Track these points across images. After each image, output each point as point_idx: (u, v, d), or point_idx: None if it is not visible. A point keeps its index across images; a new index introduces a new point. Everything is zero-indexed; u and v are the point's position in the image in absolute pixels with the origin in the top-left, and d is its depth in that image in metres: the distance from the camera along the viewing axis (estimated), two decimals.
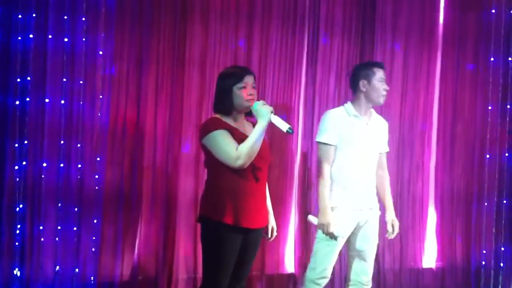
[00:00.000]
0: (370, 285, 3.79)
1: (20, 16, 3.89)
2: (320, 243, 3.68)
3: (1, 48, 3.88)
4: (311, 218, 3.74)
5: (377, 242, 3.82)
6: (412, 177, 5.22)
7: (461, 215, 5.34)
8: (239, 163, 3.16)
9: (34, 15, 3.91)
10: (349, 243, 3.77)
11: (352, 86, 3.82)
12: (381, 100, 3.77)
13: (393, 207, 3.89)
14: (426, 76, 5.28)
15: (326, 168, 3.66)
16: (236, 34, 4.59)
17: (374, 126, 3.80)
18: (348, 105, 3.79)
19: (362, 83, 3.74)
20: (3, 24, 3.88)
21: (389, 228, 3.84)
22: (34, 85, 3.94)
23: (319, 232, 3.68)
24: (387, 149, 3.94)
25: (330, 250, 3.66)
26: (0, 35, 3.87)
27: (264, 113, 3.19)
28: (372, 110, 3.86)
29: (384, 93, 3.74)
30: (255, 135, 3.17)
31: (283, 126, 3.21)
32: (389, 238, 3.87)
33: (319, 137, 3.69)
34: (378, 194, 3.90)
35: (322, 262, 3.67)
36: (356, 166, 3.68)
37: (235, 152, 3.16)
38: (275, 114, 3.22)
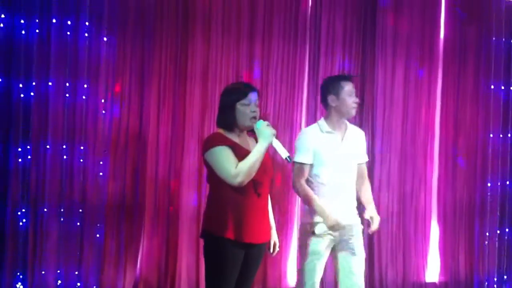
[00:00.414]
0: None
1: (23, 32, 3.92)
2: (305, 261, 3.65)
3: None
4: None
5: (363, 255, 3.79)
6: (415, 191, 5.22)
7: (464, 229, 5.33)
8: (237, 180, 3.15)
9: (37, 31, 3.94)
10: (335, 258, 3.76)
11: (322, 102, 3.78)
12: (352, 112, 3.72)
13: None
14: (428, 90, 5.30)
15: (301, 183, 3.64)
16: (237, 48, 4.61)
17: (350, 140, 3.76)
18: (321, 121, 3.75)
19: (331, 98, 3.70)
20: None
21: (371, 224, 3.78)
22: (37, 92, 3.96)
23: (302, 250, 3.67)
24: (366, 159, 3.89)
25: (315, 265, 3.65)
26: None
27: (267, 135, 3.18)
28: (347, 122, 3.82)
29: (354, 105, 3.70)
30: (255, 155, 3.16)
31: (283, 153, 3.20)
32: (370, 233, 3.80)
33: (295, 158, 3.64)
34: (360, 202, 3.89)
35: (310, 277, 3.66)
36: (333, 182, 3.66)
37: (234, 170, 3.15)
38: (277, 138, 3.21)
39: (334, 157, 3.65)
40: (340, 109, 3.69)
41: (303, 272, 3.68)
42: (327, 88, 3.73)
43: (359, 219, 3.78)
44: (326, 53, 4.94)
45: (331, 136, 3.69)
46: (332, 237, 3.66)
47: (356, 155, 3.79)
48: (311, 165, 3.64)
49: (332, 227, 3.59)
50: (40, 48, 3.96)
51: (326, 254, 3.67)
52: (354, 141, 3.77)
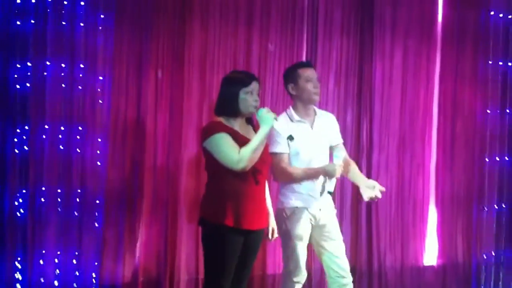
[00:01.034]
0: (351, 279, 3.80)
1: (18, 23, 3.91)
2: (288, 248, 3.72)
3: None
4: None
5: (341, 237, 3.83)
6: (413, 176, 5.24)
7: (462, 213, 5.36)
8: (240, 166, 3.19)
9: (32, 21, 3.92)
10: (315, 244, 3.81)
11: (286, 91, 3.84)
12: (315, 98, 3.77)
13: (387, 201, 3.82)
14: (426, 75, 5.30)
15: (286, 167, 3.67)
16: (235, 37, 4.59)
17: (320, 126, 3.80)
18: (290, 110, 3.81)
19: (291, 87, 3.77)
20: None
21: (371, 191, 3.68)
22: (34, 76, 3.93)
23: (284, 238, 3.72)
24: (341, 140, 3.92)
25: (299, 250, 3.71)
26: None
27: (268, 119, 3.24)
28: (315, 108, 3.86)
29: (315, 90, 3.74)
30: (258, 140, 3.22)
31: (284, 133, 3.29)
32: (378, 196, 3.69)
33: (273, 149, 3.67)
34: (349, 179, 3.91)
35: (297, 262, 3.72)
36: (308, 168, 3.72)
37: (237, 155, 3.19)
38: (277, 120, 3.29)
39: (307, 146, 3.71)
40: (301, 96, 3.75)
41: (288, 257, 3.74)
42: (286, 77, 3.82)
43: (332, 204, 3.83)
44: (324, 40, 4.92)
45: (302, 125, 3.74)
46: (310, 220, 3.71)
47: (329, 140, 3.82)
48: (289, 154, 3.69)
49: (337, 171, 3.62)
50: (35, 36, 3.94)
51: (307, 236, 3.74)
52: (324, 126, 3.82)
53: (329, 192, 3.72)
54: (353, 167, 3.86)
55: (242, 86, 3.33)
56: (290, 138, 3.27)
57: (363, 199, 3.74)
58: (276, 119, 3.26)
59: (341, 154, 3.71)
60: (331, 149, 3.84)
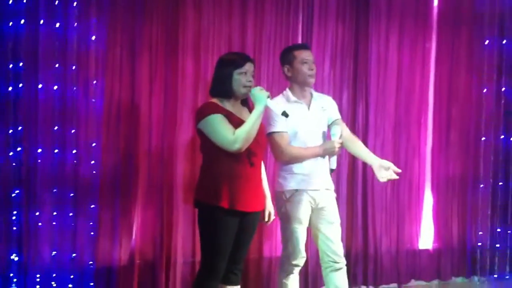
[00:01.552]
0: (344, 263, 3.81)
1: (10, 2, 3.88)
2: (288, 230, 3.72)
3: None
4: None
5: (339, 222, 3.84)
6: (409, 160, 5.23)
7: (457, 197, 5.37)
8: (236, 146, 3.19)
9: (24, 0, 3.90)
10: (313, 226, 3.81)
11: (283, 73, 3.85)
12: (310, 81, 3.76)
13: (383, 185, 3.80)
14: (421, 60, 5.28)
15: (287, 146, 3.67)
16: (229, 19, 4.56)
17: (317, 108, 3.81)
18: (287, 91, 3.82)
19: (286, 69, 3.78)
20: None
21: (386, 172, 3.60)
22: (26, 71, 3.94)
23: (284, 221, 3.73)
24: (338, 116, 3.91)
25: (299, 233, 3.72)
26: None
27: (261, 97, 3.24)
28: (312, 91, 3.87)
29: (311, 73, 3.74)
30: (252, 119, 3.22)
31: (278, 110, 3.29)
32: (394, 178, 3.60)
33: (272, 129, 3.67)
34: (356, 160, 3.89)
35: (296, 245, 3.73)
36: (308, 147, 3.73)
37: (232, 135, 3.19)
38: (271, 99, 3.30)
39: (305, 126, 3.71)
40: (296, 78, 3.76)
41: (287, 240, 3.75)
42: (282, 59, 3.84)
43: (332, 186, 3.83)
44: (319, 23, 4.90)
45: (298, 105, 3.75)
46: (310, 203, 3.71)
47: (327, 120, 3.82)
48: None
49: (333, 149, 3.65)
50: (28, 21, 3.93)
51: (307, 219, 3.74)
52: (321, 107, 3.82)
53: (331, 170, 3.72)
54: (359, 144, 3.86)
55: (235, 66, 3.32)
56: (285, 114, 3.25)
57: (379, 180, 3.65)
58: (269, 97, 3.26)
59: (337, 131, 3.70)
60: (329, 127, 3.84)
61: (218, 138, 3.23)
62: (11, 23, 3.88)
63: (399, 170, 3.62)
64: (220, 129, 3.23)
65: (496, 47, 5.39)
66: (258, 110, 3.24)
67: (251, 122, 3.21)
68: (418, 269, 5.25)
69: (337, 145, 3.66)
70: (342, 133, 3.75)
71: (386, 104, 5.14)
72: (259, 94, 3.25)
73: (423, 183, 5.33)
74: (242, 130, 3.20)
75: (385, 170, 3.60)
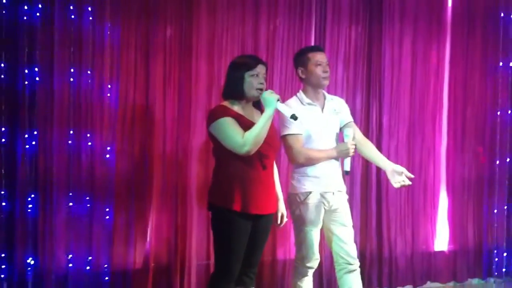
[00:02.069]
0: (358, 264, 3.81)
1: (26, 8, 3.92)
2: (302, 233, 3.73)
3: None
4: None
5: (351, 223, 3.84)
6: (424, 162, 5.20)
7: (472, 198, 5.33)
8: (245, 149, 3.19)
9: (40, 5, 3.94)
10: (326, 228, 3.81)
11: (296, 75, 3.85)
12: (324, 83, 3.77)
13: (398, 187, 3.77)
14: (436, 61, 5.25)
15: (302, 149, 3.69)
16: (243, 22, 4.58)
17: (330, 110, 3.81)
18: (300, 94, 3.82)
19: (300, 71, 3.78)
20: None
21: (400, 177, 3.64)
22: (42, 75, 3.97)
23: (298, 223, 3.74)
24: (351, 119, 3.92)
25: (313, 235, 3.73)
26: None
27: (271, 101, 3.25)
28: (325, 93, 3.87)
29: (325, 75, 3.74)
30: (262, 123, 3.22)
31: (288, 113, 3.28)
32: (407, 183, 3.64)
33: (287, 131, 3.68)
34: (370, 162, 3.88)
35: (310, 247, 3.74)
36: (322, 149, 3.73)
37: (241, 139, 3.19)
38: (282, 102, 3.31)
39: (318, 128, 3.72)
40: (310, 80, 3.76)
41: (301, 242, 3.75)
42: (296, 61, 3.84)
43: (345, 188, 3.84)
44: (332, 26, 4.89)
45: (312, 107, 3.76)
46: (323, 205, 3.71)
47: (339, 123, 3.83)
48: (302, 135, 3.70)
49: (351, 149, 3.65)
50: (43, 27, 3.96)
51: (320, 221, 3.75)
52: (334, 109, 3.82)
53: (346, 172, 3.71)
54: (372, 148, 3.86)
55: (247, 69, 3.33)
56: (294, 117, 3.25)
57: (393, 186, 3.68)
58: (279, 100, 3.26)
59: (350, 133, 3.70)
60: (341, 130, 3.84)
61: (227, 141, 3.25)
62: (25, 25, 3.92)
63: (412, 176, 3.63)
64: (230, 132, 3.24)
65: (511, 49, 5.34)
66: (267, 113, 3.24)
67: (261, 125, 3.21)
68: (433, 271, 5.22)
69: (351, 147, 3.66)
70: (354, 135, 3.75)
71: (400, 106, 5.12)
72: (269, 98, 3.26)
73: (438, 185, 5.30)
74: (252, 134, 3.20)
75: (398, 175, 3.63)
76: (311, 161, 3.70)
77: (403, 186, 3.66)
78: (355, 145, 3.71)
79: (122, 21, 4.20)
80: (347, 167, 3.70)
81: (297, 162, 3.75)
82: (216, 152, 3.40)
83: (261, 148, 3.26)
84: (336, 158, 3.75)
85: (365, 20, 5.00)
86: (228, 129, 3.24)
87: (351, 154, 3.68)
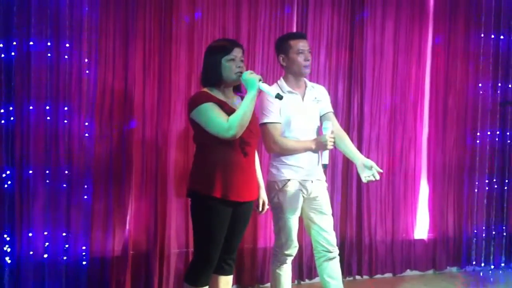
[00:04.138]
0: (337, 252, 3.82)
1: None
2: (280, 220, 3.72)
3: None
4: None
5: (331, 211, 3.84)
6: (405, 150, 5.22)
7: (453, 187, 5.37)
8: (231, 133, 3.15)
9: None
10: (305, 216, 3.81)
11: (278, 62, 3.82)
12: (305, 71, 3.74)
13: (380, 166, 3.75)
14: (418, 49, 5.26)
15: (279, 138, 3.67)
16: (224, 8, 4.53)
17: (311, 98, 3.79)
18: (281, 81, 3.79)
19: (281, 58, 3.75)
20: None
21: (369, 171, 3.60)
22: (18, 48, 3.88)
23: (276, 211, 3.73)
24: (331, 110, 3.89)
25: (291, 223, 3.72)
26: None
27: (252, 81, 3.19)
28: (306, 81, 3.84)
29: (306, 63, 3.71)
30: (245, 104, 3.17)
31: (273, 92, 3.24)
32: (376, 178, 3.61)
33: (265, 119, 3.65)
34: (342, 154, 3.90)
35: (289, 235, 3.73)
36: (299, 140, 3.71)
37: (226, 122, 3.15)
38: (264, 82, 3.24)
39: (298, 117, 3.70)
40: (291, 68, 3.73)
41: (280, 230, 3.75)
42: (277, 48, 3.81)
43: (324, 177, 3.83)
44: (315, 13, 4.87)
45: (293, 96, 3.73)
46: (302, 193, 3.71)
47: (318, 112, 3.81)
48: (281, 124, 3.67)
49: (325, 146, 3.63)
50: (20, 7, 3.88)
51: (299, 209, 3.75)
52: (315, 98, 3.80)
53: (323, 165, 3.70)
54: (346, 140, 3.82)
55: (223, 53, 3.28)
56: (279, 96, 3.20)
57: (362, 180, 3.66)
58: (261, 80, 3.21)
59: (329, 125, 3.68)
60: (321, 119, 3.82)
61: (212, 126, 3.20)
62: None
63: (381, 170, 3.62)
64: (214, 117, 3.19)
65: (493, 40, 5.37)
66: (250, 95, 3.18)
67: (245, 107, 3.16)
68: (413, 259, 5.26)
69: (329, 140, 3.64)
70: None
71: (382, 94, 5.12)
72: (250, 78, 3.20)
73: (419, 173, 5.32)
74: (236, 116, 3.16)
75: (368, 170, 3.60)
76: (287, 151, 3.69)
77: (371, 181, 3.63)
78: (334, 138, 3.69)
79: (101, 6, 4.13)
80: (325, 160, 3.68)
81: (272, 151, 3.75)
82: (197, 138, 3.37)
83: (243, 135, 3.23)
84: (314, 150, 3.72)
85: (347, 7, 4.99)
86: (212, 114, 3.20)
87: (329, 147, 3.65)
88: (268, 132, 3.66)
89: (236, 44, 3.37)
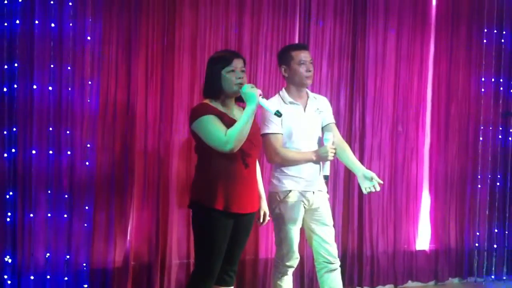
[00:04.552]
0: (338, 264, 3.81)
1: (6, 1, 3.85)
2: (281, 231, 3.71)
3: None
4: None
5: (332, 223, 3.83)
6: (407, 160, 5.21)
7: (455, 197, 5.35)
8: (228, 147, 3.15)
9: (20, 0, 3.87)
10: (306, 228, 3.80)
11: (280, 73, 3.81)
12: (307, 82, 3.73)
13: (380, 186, 3.73)
14: (420, 58, 5.25)
15: (280, 149, 3.66)
16: (226, 17, 4.54)
17: (313, 109, 3.78)
18: (283, 92, 3.78)
19: (283, 69, 3.75)
20: None
21: (369, 182, 3.60)
22: (21, 71, 3.90)
23: (277, 222, 3.71)
24: (333, 120, 3.88)
25: (292, 234, 3.71)
26: None
27: (252, 96, 3.18)
28: (308, 92, 3.84)
29: (308, 74, 3.70)
30: (244, 119, 3.16)
31: (272, 108, 3.24)
32: (377, 189, 3.61)
33: (267, 130, 3.65)
34: (343, 165, 3.90)
35: (290, 246, 3.72)
36: (301, 151, 3.69)
37: (225, 136, 3.15)
38: (264, 97, 3.24)
39: (300, 128, 3.69)
40: (293, 79, 3.73)
41: (281, 241, 3.74)
42: (279, 59, 3.81)
43: (325, 188, 3.82)
44: (317, 22, 4.86)
45: (295, 107, 3.72)
46: (303, 204, 3.70)
47: (321, 122, 3.81)
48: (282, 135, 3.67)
49: (330, 154, 3.61)
50: (23, 20, 3.90)
51: (300, 220, 3.74)
52: (317, 109, 3.79)
53: (325, 176, 3.69)
54: (347, 151, 3.81)
55: (223, 64, 3.27)
56: (278, 113, 3.20)
57: (363, 191, 3.65)
58: (261, 94, 3.20)
59: (330, 137, 3.68)
60: (322, 130, 3.82)
61: (210, 139, 3.20)
62: (6, 23, 3.85)
63: (381, 182, 3.61)
64: (212, 130, 3.18)
65: (495, 46, 5.36)
66: (249, 109, 3.17)
67: (243, 121, 3.15)
68: (415, 270, 5.23)
69: (330, 151, 3.63)
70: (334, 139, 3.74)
71: (384, 103, 5.11)
72: (250, 92, 3.18)
73: (420, 184, 5.30)
74: (234, 130, 3.15)
75: (368, 181, 3.60)
76: (287, 163, 3.68)
77: (371, 192, 3.63)
78: (335, 149, 3.68)
79: (103, 17, 4.13)
80: (326, 172, 3.68)
81: (273, 162, 3.74)
82: (198, 150, 3.36)
83: (243, 146, 3.22)
84: (315, 161, 3.72)
85: (350, 16, 4.98)
86: (211, 127, 3.19)
87: (330, 158, 3.65)
88: (269, 143, 3.66)
89: (236, 55, 3.36)
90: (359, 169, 3.69)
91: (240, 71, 3.29)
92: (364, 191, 3.63)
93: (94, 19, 4.09)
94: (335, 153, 3.68)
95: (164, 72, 4.36)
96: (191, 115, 3.32)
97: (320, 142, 3.77)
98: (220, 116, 3.24)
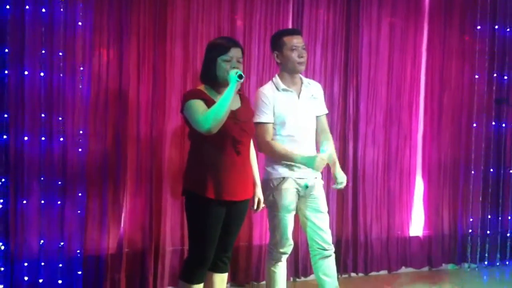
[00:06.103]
0: (333, 250, 3.82)
1: None
2: (275, 218, 3.72)
3: None
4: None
5: (327, 209, 3.84)
6: (400, 147, 5.22)
7: (448, 184, 5.37)
8: (206, 127, 3.10)
9: None
10: (301, 214, 3.81)
11: (273, 58, 3.80)
12: (300, 68, 3.71)
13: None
14: (413, 47, 5.26)
15: (269, 140, 3.65)
16: (219, 4, 4.51)
17: (307, 96, 3.76)
18: (276, 79, 3.76)
19: (276, 55, 3.72)
20: None
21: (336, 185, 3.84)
22: (12, 57, 3.87)
23: (271, 209, 3.72)
24: (325, 111, 3.89)
25: (286, 221, 3.72)
26: None
27: (232, 78, 3.15)
28: (302, 77, 3.82)
29: (301, 60, 3.67)
30: (221, 99, 3.12)
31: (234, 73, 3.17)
32: (337, 188, 3.82)
33: (257, 119, 3.62)
34: (347, 148, 3.95)
35: (284, 233, 3.73)
36: (295, 139, 3.69)
37: (202, 116, 3.12)
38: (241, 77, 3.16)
39: (293, 115, 3.67)
40: (286, 65, 3.71)
41: (275, 228, 3.74)
42: (272, 45, 3.79)
43: (319, 174, 3.80)
44: (310, 9, 4.85)
45: (288, 94, 3.70)
46: (297, 191, 3.70)
47: (315, 109, 3.78)
48: (273, 123, 3.64)
49: (319, 166, 3.59)
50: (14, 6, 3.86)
51: (294, 207, 3.74)
52: (311, 95, 3.77)
53: (305, 186, 3.70)
54: (330, 144, 3.80)
55: (220, 52, 3.26)
56: (240, 76, 3.16)
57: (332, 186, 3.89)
58: (239, 73, 3.13)
59: (328, 148, 3.65)
60: (317, 119, 3.81)
61: (192, 121, 3.19)
62: None
63: (342, 187, 3.85)
64: (195, 113, 3.17)
65: (488, 34, 5.36)
66: (229, 90, 3.12)
67: (220, 102, 3.11)
68: (408, 256, 5.26)
69: (321, 163, 3.58)
70: (317, 125, 3.78)
71: (377, 91, 5.12)
72: (231, 75, 3.15)
73: (414, 170, 5.32)
74: (211, 110, 3.11)
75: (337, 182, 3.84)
76: (273, 156, 3.68)
77: (335, 189, 3.89)
78: (327, 162, 3.68)
79: (95, 3, 4.09)
80: (310, 181, 3.72)
81: (262, 151, 3.74)
82: (190, 136, 3.36)
83: (234, 133, 3.21)
84: (309, 154, 3.70)
85: (343, 4, 4.97)
86: (194, 110, 3.17)
87: (318, 170, 3.65)
88: (258, 133, 3.63)
89: (235, 44, 3.33)
90: (335, 166, 3.82)
91: (237, 61, 3.27)
92: (333, 188, 3.84)
93: (86, 5, 4.05)
94: (324, 166, 3.65)
95: (156, 59, 4.33)
96: (182, 101, 3.31)
97: (316, 144, 3.78)
98: (208, 102, 3.22)
